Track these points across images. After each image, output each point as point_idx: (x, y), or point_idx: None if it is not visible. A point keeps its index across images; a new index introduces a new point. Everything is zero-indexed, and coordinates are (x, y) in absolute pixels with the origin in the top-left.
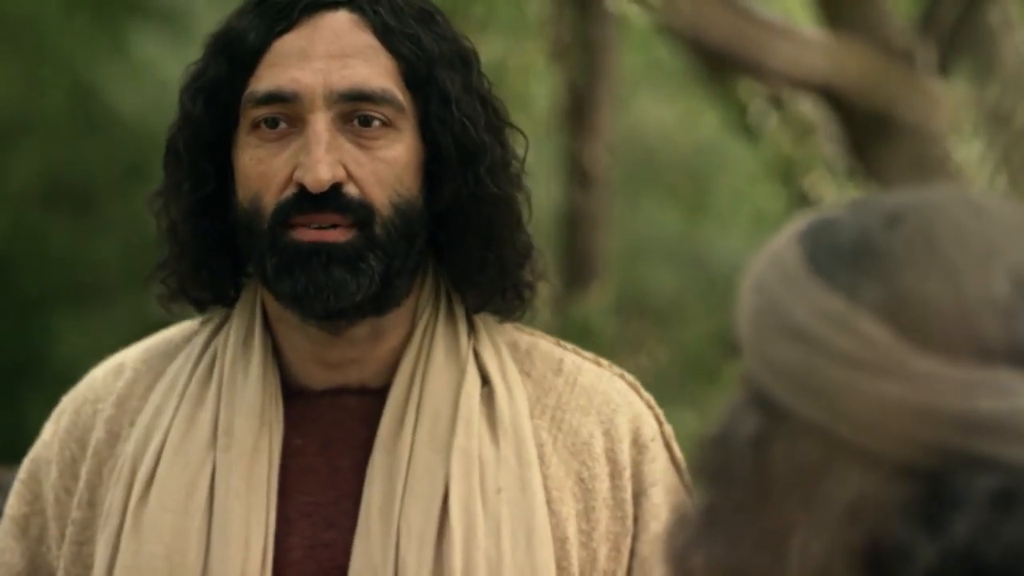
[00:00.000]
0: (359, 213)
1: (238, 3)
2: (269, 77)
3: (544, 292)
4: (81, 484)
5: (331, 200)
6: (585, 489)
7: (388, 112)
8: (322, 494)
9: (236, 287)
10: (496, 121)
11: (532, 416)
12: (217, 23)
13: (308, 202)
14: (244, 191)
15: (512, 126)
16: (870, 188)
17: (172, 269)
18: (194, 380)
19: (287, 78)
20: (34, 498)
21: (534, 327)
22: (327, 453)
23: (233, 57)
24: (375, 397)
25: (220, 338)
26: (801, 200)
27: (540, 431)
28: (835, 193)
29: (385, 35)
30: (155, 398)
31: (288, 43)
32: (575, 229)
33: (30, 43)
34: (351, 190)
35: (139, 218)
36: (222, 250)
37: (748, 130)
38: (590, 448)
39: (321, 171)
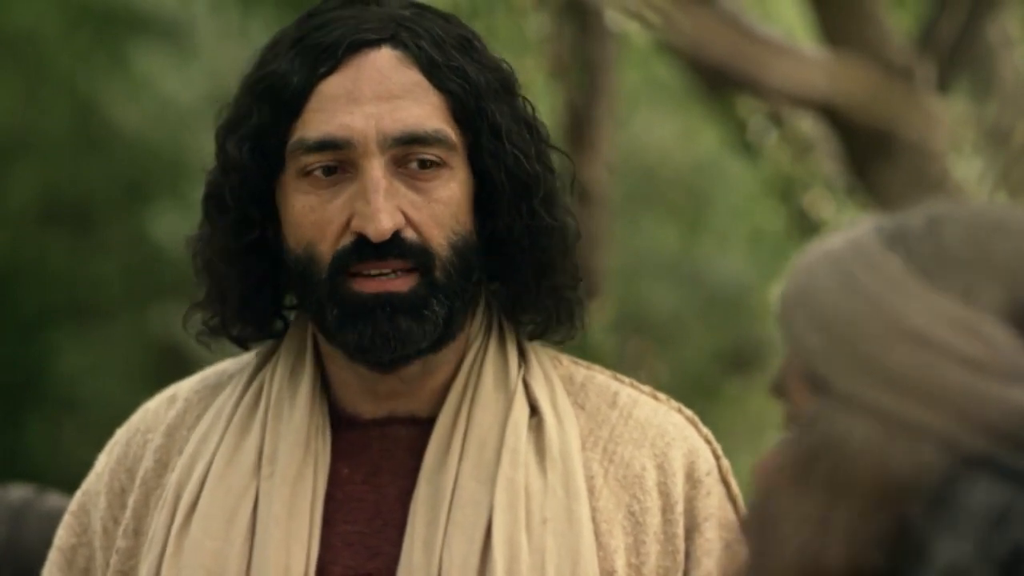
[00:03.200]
0: (419, 258)
1: (239, 22)
2: (318, 123)
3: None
4: (128, 513)
5: (392, 247)
6: (635, 523)
7: (441, 152)
8: (367, 524)
9: (283, 320)
10: (543, 147)
11: (584, 448)
12: (251, 62)
13: (369, 250)
14: (296, 239)
15: (556, 148)
16: (869, 206)
17: (214, 310)
18: (240, 408)
19: (337, 124)
20: (83, 530)
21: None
22: (374, 482)
23: (277, 102)
24: (424, 427)
25: (268, 368)
26: (800, 218)
27: (592, 463)
28: (834, 211)
29: (431, 71)
30: (202, 426)
31: (333, 85)
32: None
33: (30, 60)
34: (410, 235)
35: (139, 236)
36: (264, 287)
37: (747, 147)
38: (642, 481)
39: (383, 220)
